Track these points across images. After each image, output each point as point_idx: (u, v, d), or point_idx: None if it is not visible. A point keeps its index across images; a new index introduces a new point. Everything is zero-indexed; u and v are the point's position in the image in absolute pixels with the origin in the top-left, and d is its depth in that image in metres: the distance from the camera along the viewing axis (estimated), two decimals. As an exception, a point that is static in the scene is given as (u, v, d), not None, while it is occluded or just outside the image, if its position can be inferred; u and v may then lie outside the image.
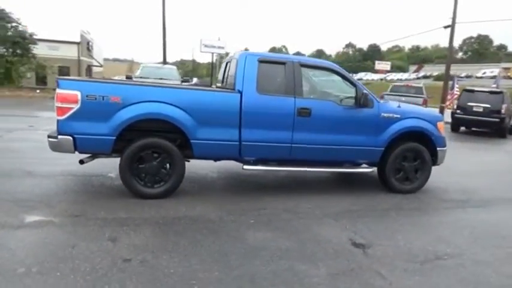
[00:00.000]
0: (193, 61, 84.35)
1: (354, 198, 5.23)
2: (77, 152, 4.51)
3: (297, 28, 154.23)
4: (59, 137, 4.36)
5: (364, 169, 5.43)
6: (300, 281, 2.97)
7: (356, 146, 5.24)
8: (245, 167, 4.98)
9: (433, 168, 5.70)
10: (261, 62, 4.97)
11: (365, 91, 5.15)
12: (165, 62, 20.93)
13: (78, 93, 4.31)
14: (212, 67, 37.47)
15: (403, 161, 5.52)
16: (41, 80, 26.76)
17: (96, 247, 3.33)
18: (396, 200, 5.27)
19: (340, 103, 5.17)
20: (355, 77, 73.03)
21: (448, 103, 16.25)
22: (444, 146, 5.77)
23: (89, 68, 35.97)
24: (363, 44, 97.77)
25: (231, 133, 4.78)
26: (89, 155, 4.73)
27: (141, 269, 3.01)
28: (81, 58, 32.60)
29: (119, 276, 2.88)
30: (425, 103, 15.72)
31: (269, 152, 4.98)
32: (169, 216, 4.15)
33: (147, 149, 4.58)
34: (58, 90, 4.33)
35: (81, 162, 4.63)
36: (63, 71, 30.05)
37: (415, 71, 79.74)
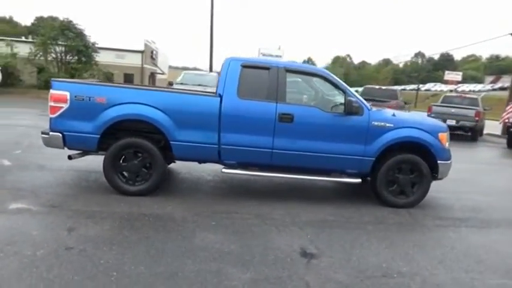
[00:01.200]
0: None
1: (338, 208, 5.04)
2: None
3: (362, 37, 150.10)
4: (50, 133, 4.76)
5: (350, 179, 5.20)
6: (218, 283, 2.95)
7: (343, 155, 5.04)
8: (224, 170, 5.04)
9: (452, 182, 5.25)
10: (244, 66, 5.01)
11: (353, 98, 4.96)
12: (211, 69, 21.73)
13: (68, 94, 4.69)
14: None
15: (397, 173, 5.20)
16: (107, 86, 29.01)
17: (50, 235, 3.60)
18: (383, 213, 4.97)
19: (326, 110, 5.03)
20: (422, 88, 69.28)
21: (504, 115, 14.78)
22: (447, 159, 5.33)
23: (152, 75, 38.26)
24: (434, 53, 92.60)
25: (210, 136, 4.87)
26: (79, 151, 5.08)
27: (75, 257, 3.20)
28: (145, 66, 34.78)
29: (51, 262, 3.09)
30: (478, 116, 14.50)
31: (249, 157, 4.98)
32: (137, 213, 4.33)
33: (129, 148, 4.83)
34: (51, 91, 4.74)
35: (69, 157, 5.00)
36: (128, 77, 32.32)
37: (491, 82, 73.71)
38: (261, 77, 5.02)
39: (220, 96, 4.88)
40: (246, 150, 4.92)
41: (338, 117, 5.02)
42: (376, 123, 5.07)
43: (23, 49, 21.30)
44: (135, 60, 34.23)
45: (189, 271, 3.11)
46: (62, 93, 4.70)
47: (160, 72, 40.72)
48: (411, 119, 5.39)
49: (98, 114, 4.71)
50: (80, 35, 20.30)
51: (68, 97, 4.69)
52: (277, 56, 39.80)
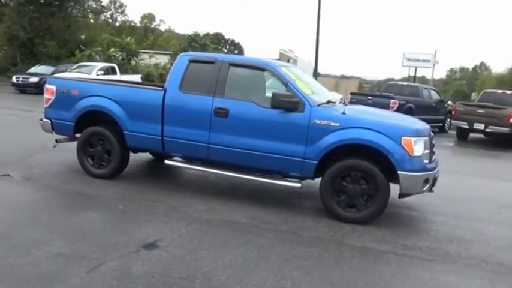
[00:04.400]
0: (414, 77, 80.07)
1: (272, 212, 4.56)
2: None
3: None
4: (43, 120, 5.78)
5: (289, 183, 4.66)
6: (25, 250, 3.23)
7: (280, 155, 4.59)
8: (166, 161, 5.20)
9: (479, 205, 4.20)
10: (191, 61, 5.08)
11: (283, 92, 4.50)
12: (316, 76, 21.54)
13: (54, 87, 5.63)
14: (414, 81, 34.51)
15: (346, 182, 4.42)
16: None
17: (-15, 196, 4.47)
18: (317, 225, 4.29)
19: (263, 105, 4.67)
20: None
21: None
22: (416, 170, 4.26)
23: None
24: None
25: (155, 128, 5.10)
26: (65, 136, 5.95)
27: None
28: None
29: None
30: None
31: (187, 150, 5.03)
32: (77, 191, 4.88)
33: (94, 135, 5.46)
34: (46, 85, 5.78)
35: (56, 141, 5.93)
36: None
37: None
38: (205, 71, 5.01)
39: (165, 90, 5.08)
40: (185, 143, 4.98)
41: (276, 113, 4.59)
42: (318, 122, 4.45)
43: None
44: (269, 68, 36.16)
45: (22, 237, 3.48)
46: (51, 87, 5.67)
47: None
48: (365, 118, 4.51)
49: (73, 105, 5.49)
50: (203, 45, 22.88)
51: (55, 90, 5.63)
52: (424, 60, 36.43)
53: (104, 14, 46.14)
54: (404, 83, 15.81)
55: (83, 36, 28.91)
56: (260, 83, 4.97)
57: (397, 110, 12.71)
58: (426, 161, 4.38)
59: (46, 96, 5.72)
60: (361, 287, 3.04)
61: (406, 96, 13.82)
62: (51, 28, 25.13)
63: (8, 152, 6.54)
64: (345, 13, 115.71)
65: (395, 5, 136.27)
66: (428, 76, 41.10)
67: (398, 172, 4.23)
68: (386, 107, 12.65)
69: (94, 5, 30.38)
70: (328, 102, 4.76)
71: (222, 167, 4.98)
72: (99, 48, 24.19)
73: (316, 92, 5.00)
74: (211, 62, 5.01)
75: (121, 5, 65.46)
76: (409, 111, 13.30)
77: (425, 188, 4.39)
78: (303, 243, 3.84)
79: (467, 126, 12.58)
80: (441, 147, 12.28)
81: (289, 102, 4.46)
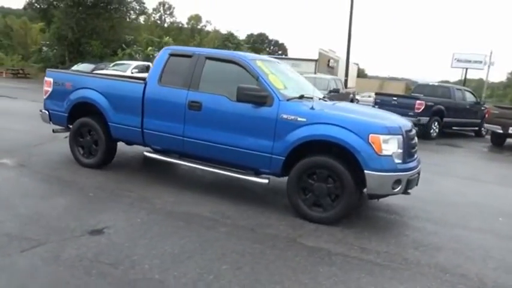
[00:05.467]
0: (464, 79, 75.77)
1: (238, 209, 4.49)
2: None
3: None
4: (42, 110, 6.10)
5: (257, 179, 4.56)
6: (-24, 229, 3.43)
7: (250, 150, 4.51)
8: (145, 153, 5.29)
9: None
10: (171, 55, 5.14)
11: (248, 85, 4.40)
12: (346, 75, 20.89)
13: (51, 80, 5.93)
14: (464, 83, 32.63)
15: (313, 180, 4.25)
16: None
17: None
18: (279, 223, 4.16)
19: (234, 99, 4.60)
20: None
21: None
22: (384, 170, 4.00)
23: (327, 82, 39.14)
24: None
25: (135, 120, 5.21)
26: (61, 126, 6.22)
27: None
28: (317, 73, 35.97)
29: None
30: None
31: (164, 143, 5.08)
32: (60, 177, 5.14)
33: (84, 126, 5.68)
34: (45, 78, 6.09)
35: (53, 131, 6.22)
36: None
37: None
38: (183, 64, 5.03)
39: (146, 83, 5.17)
40: (162, 135, 5.04)
41: (246, 107, 4.51)
42: (285, 116, 4.32)
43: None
44: (308, 69, 35.78)
45: (-18, 217, 3.69)
46: (49, 79, 5.97)
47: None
48: (333, 114, 4.30)
49: (66, 97, 5.76)
50: (238, 44, 23.09)
51: (52, 82, 5.92)
52: (476, 61, 34.36)
53: (154, 15, 47.83)
54: (436, 84, 14.94)
55: (130, 37, 30.21)
56: (233, 76, 4.88)
57: (424, 112, 12.10)
58: (398, 161, 4.10)
59: (45, 88, 6.03)
60: (286, 286, 2.90)
61: (437, 98, 13.08)
62: (97, 28, 26.58)
63: (20, 141, 7.01)
64: (398, 13, 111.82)
65: (452, 5, 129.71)
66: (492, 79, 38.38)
67: (365, 171, 4.00)
68: (411, 108, 12.09)
69: (137, 6, 31.70)
70: (302, 97, 4.60)
71: (198, 160, 4.98)
72: (140, 48, 25.20)
73: (292, 88, 4.86)
74: (189, 56, 5.03)
75: (169, 7, 67.78)
76: (437, 113, 12.62)
77: (396, 190, 4.11)
78: (251, 239, 3.73)
79: (501, 131, 11.67)
80: (472, 152, 11.55)
81: (255, 96, 4.37)
